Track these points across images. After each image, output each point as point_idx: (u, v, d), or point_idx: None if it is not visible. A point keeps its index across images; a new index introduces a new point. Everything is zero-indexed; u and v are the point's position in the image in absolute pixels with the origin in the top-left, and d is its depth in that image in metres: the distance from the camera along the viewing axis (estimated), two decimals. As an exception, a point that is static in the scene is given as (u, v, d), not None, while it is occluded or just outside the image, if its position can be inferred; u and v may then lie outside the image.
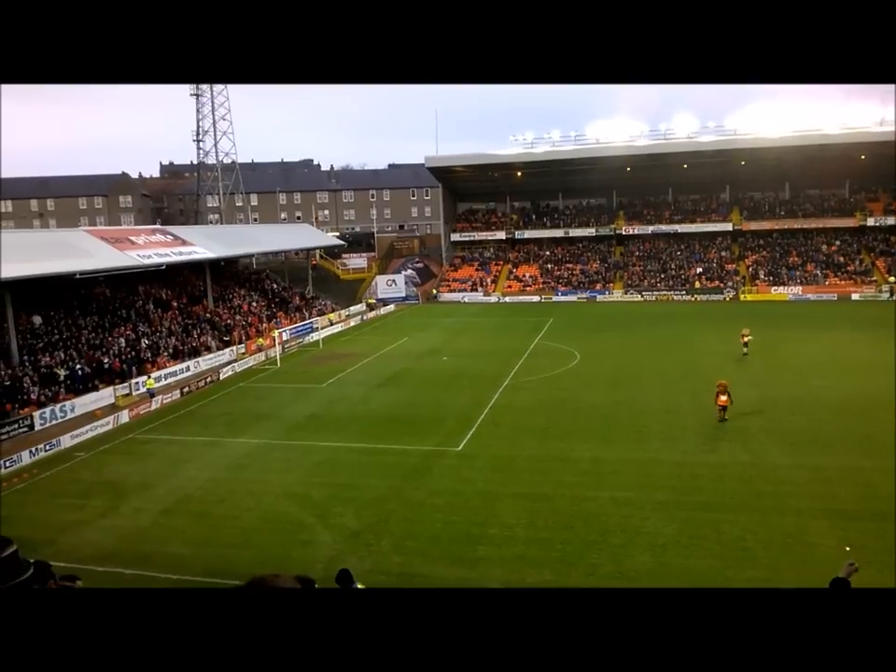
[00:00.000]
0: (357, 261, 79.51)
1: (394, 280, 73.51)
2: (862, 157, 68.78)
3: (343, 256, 79.32)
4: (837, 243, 71.01)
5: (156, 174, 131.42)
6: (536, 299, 70.56)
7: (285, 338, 48.49)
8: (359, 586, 9.29)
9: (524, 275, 75.35)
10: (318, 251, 74.75)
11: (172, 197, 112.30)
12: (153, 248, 44.14)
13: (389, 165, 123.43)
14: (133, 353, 39.19)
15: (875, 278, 65.10)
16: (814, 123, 67.11)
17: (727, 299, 65.78)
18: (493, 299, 71.81)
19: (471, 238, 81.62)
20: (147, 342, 41.15)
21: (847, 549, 16.09)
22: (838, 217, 71.96)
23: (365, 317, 62.67)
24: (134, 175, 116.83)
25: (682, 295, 67.45)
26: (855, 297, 62.64)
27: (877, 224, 70.06)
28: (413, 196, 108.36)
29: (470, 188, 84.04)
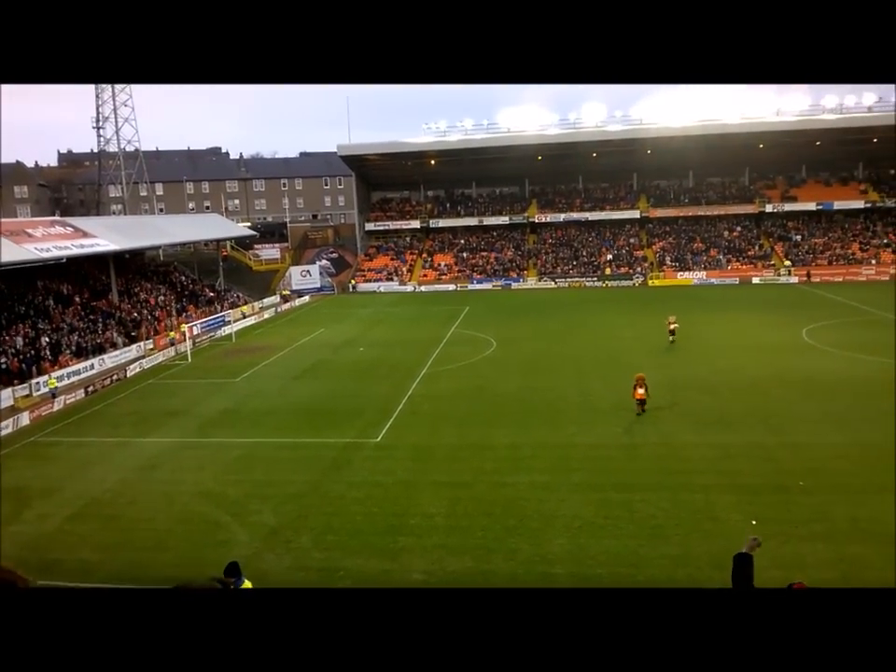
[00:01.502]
0: (269, 252, 77.84)
1: (308, 271, 72.46)
2: (760, 146, 71.85)
3: (256, 246, 77.53)
4: (738, 229, 74.07)
5: (53, 162, 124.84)
6: (451, 287, 70.86)
7: (196, 332, 47.11)
8: (247, 582, 9.16)
9: (439, 264, 75.50)
10: (229, 242, 72.86)
11: (71, 187, 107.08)
12: (52, 241, 42.08)
13: (301, 153, 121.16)
14: (33, 351, 37.30)
15: (773, 262, 68.20)
16: (715, 113, 69.74)
17: (636, 284, 67.66)
18: (409, 288, 71.70)
19: (386, 227, 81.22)
20: (47, 339, 39.23)
21: (754, 522, 16.83)
22: (739, 203, 75.10)
23: (279, 309, 61.53)
24: (30, 164, 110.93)
25: (594, 281, 68.97)
26: (755, 280, 65.52)
27: (775, 210, 73.51)
28: (326, 185, 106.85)
29: (384, 176, 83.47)
